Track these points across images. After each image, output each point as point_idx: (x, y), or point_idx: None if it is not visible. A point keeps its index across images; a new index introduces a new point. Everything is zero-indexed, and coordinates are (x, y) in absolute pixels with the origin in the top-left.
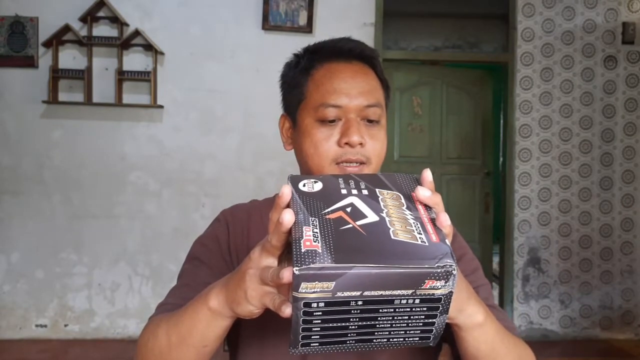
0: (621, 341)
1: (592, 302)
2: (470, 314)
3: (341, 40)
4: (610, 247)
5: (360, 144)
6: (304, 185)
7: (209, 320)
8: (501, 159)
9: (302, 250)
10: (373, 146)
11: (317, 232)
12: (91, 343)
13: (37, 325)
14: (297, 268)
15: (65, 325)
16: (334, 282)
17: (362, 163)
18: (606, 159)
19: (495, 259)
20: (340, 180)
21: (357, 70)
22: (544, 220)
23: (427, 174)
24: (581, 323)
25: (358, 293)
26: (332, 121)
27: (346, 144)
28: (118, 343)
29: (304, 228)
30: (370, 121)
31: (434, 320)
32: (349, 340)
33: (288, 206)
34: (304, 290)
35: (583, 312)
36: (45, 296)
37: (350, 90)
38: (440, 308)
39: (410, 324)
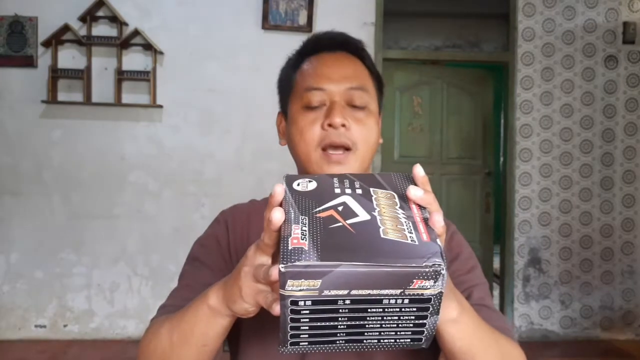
0: (622, 342)
1: (592, 303)
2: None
3: (323, 33)
4: (610, 248)
5: (344, 125)
6: (298, 185)
7: (209, 318)
8: (502, 159)
9: (289, 248)
10: (359, 130)
11: (305, 230)
12: (90, 343)
13: (36, 326)
14: (282, 265)
15: (65, 326)
16: (321, 280)
17: (347, 148)
18: (607, 159)
19: (496, 259)
20: (335, 180)
21: (341, 58)
22: (544, 220)
23: (418, 170)
24: (582, 323)
25: (345, 292)
26: (317, 107)
27: (329, 125)
28: (117, 343)
29: (292, 226)
30: (356, 106)
31: (424, 321)
32: (339, 340)
33: (281, 205)
34: (290, 288)
35: (583, 313)
36: (45, 296)
37: (333, 74)
38: (431, 309)
39: (400, 325)
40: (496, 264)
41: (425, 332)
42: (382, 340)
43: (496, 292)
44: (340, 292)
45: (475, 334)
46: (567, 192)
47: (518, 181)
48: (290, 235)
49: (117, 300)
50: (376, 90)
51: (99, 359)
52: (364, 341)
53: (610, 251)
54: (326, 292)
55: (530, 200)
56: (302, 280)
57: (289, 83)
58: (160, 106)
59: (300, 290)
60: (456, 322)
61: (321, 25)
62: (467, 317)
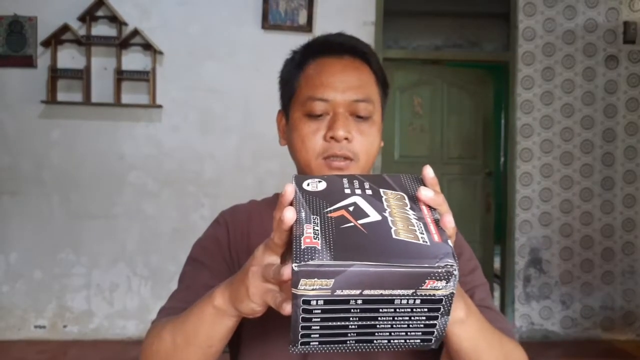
0: (622, 342)
1: (593, 303)
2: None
3: (333, 35)
4: (611, 248)
5: (346, 138)
6: (308, 185)
7: (214, 319)
8: (502, 159)
9: (302, 247)
10: (361, 142)
11: (317, 230)
12: (90, 344)
13: (35, 326)
14: (296, 264)
15: (64, 326)
16: (333, 280)
17: (349, 159)
18: (607, 159)
19: (497, 260)
20: (345, 181)
21: (348, 65)
22: (545, 220)
23: (428, 171)
24: (582, 324)
25: (357, 292)
26: (320, 115)
27: (332, 138)
28: (117, 344)
29: (305, 226)
30: (360, 117)
31: (435, 321)
32: (349, 340)
33: (291, 205)
34: (302, 287)
35: (584, 313)
36: (44, 297)
37: (338, 84)
38: (442, 309)
39: (411, 325)
40: (497, 264)
41: (436, 332)
42: (392, 341)
43: (497, 293)
44: (353, 292)
45: (481, 334)
46: (567, 192)
47: (519, 181)
48: (303, 235)
49: (117, 301)
50: (381, 96)
51: (99, 359)
52: (374, 341)
53: (611, 251)
54: (338, 292)
55: (530, 200)
56: (315, 279)
57: (291, 84)
58: (160, 106)
59: (312, 289)
60: (463, 322)
61: (321, 24)
62: (473, 317)
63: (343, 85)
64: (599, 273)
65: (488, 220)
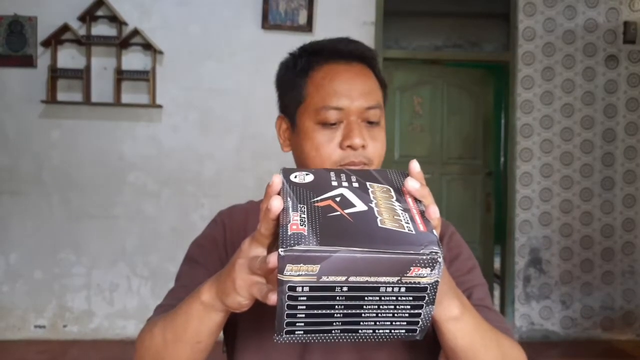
0: (622, 342)
1: (593, 303)
2: (445, 306)
3: (341, 42)
4: (611, 248)
5: (363, 146)
6: (296, 177)
7: (202, 314)
8: (502, 159)
9: (289, 233)
10: (374, 147)
11: (304, 218)
12: (90, 344)
13: (35, 326)
14: (282, 249)
15: (64, 326)
16: (319, 266)
17: (364, 165)
18: (607, 159)
19: (497, 260)
20: (332, 174)
21: (358, 72)
22: (545, 220)
23: (414, 165)
24: (582, 324)
25: (343, 278)
26: (334, 124)
27: (349, 146)
28: (117, 344)
29: (291, 214)
30: (370, 123)
31: (420, 311)
32: (335, 329)
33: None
34: (288, 273)
35: (584, 313)
36: (44, 297)
37: (351, 92)
38: (426, 298)
39: (396, 314)
40: (497, 264)
41: (420, 322)
42: (377, 331)
43: (497, 293)
44: (338, 279)
45: (477, 332)
46: (567, 192)
47: (519, 181)
48: (290, 222)
49: (117, 301)
50: (383, 99)
51: (99, 359)
52: (360, 331)
53: (611, 251)
54: (324, 278)
55: (530, 200)
56: (301, 264)
57: (296, 90)
58: (160, 106)
59: (298, 275)
60: (458, 320)
61: (321, 24)
62: (468, 315)
63: (355, 92)
64: (599, 273)
65: (488, 220)
